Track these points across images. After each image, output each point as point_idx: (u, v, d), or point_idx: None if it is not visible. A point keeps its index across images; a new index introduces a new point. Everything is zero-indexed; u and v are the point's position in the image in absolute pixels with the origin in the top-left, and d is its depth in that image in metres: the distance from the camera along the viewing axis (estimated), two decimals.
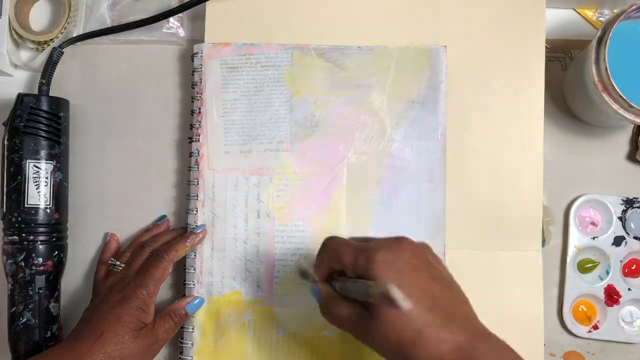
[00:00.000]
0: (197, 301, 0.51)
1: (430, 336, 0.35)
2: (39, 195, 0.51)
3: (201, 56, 0.53)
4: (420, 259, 0.38)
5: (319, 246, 0.42)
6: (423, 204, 0.51)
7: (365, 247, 0.38)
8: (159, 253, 0.50)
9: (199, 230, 0.52)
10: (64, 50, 0.54)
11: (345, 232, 0.51)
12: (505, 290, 0.51)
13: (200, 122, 0.53)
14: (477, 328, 0.37)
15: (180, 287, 0.54)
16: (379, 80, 0.52)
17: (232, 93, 0.53)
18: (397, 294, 0.33)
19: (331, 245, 0.41)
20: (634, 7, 0.47)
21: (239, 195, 0.52)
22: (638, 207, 0.54)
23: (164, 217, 0.55)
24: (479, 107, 0.52)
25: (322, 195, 0.52)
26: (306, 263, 0.50)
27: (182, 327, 0.52)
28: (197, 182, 0.53)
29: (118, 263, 0.52)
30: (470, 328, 0.36)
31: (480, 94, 0.52)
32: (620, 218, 0.54)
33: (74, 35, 0.56)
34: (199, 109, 0.53)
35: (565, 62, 0.56)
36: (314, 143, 0.52)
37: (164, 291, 0.54)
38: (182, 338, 0.52)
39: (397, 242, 0.38)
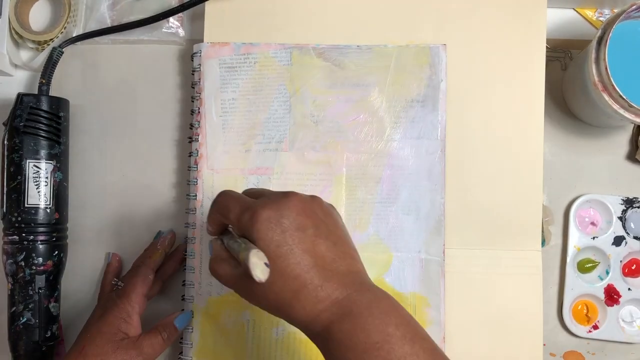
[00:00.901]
0: (184, 314, 0.51)
1: (307, 296, 0.34)
2: (39, 195, 0.51)
3: (200, 56, 0.53)
4: (307, 216, 0.36)
5: None
6: (422, 203, 0.51)
7: (251, 204, 0.36)
8: (135, 263, 0.52)
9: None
10: (63, 50, 0.54)
11: None
12: (504, 289, 0.51)
13: (199, 121, 0.53)
14: (357, 281, 0.36)
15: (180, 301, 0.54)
16: (378, 79, 0.52)
17: (231, 93, 0.53)
18: (253, 264, 0.33)
19: (220, 199, 0.39)
20: (634, 7, 0.47)
21: None
22: (638, 207, 0.54)
23: (159, 233, 0.55)
24: (479, 106, 0.52)
25: (321, 194, 0.51)
26: None
27: None
28: (197, 181, 0.53)
29: (120, 283, 0.52)
30: (350, 282, 0.35)
31: (481, 94, 0.52)
32: (620, 218, 0.54)
33: (74, 35, 0.56)
34: (199, 108, 0.53)
35: (565, 62, 0.56)
36: (313, 143, 0.52)
37: (162, 305, 0.54)
38: (182, 338, 0.52)
39: (285, 200, 0.36)
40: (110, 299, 0.50)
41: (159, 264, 0.52)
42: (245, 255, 0.34)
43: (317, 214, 0.37)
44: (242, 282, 0.37)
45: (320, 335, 0.35)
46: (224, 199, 0.39)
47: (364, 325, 0.33)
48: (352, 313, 0.34)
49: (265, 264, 0.34)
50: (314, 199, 0.38)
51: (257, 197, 0.38)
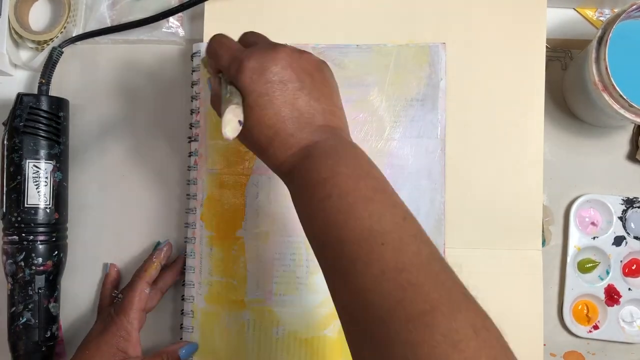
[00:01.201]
0: (190, 345, 0.51)
1: (280, 143, 0.36)
2: (38, 195, 0.51)
3: (200, 55, 0.53)
4: (292, 70, 0.37)
5: None
6: (422, 203, 0.51)
7: (239, 54, 0.37)
8: (132, 278, 0.52)
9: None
10: (63, 50, 0.54)
11: None
12: (505, 289, 0.51)
13: (199, 121, 0.53)
14: (330, 132, 0.37)
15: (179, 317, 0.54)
16: (378, 78, 0.52)
17: None
18: (225, 121, 0.35)
19: (212, 44, 0.40)
20: (634, 7, 0.47)
21: (237, 194, 0.52)
22: (638, 207, 0.54)
23: (157, 244, 0.55)
24: (479, 106, 0.52)
25: None
26: None
27: (181, 327, 0.52)
28: (197, 181, 0.53)
29: (120, 296, 0.52)
30: (322, 133, 0.36)
31: (480, 93, 0.52)
32: (620, 218, 0.54)
33: (74, 35, 0.56)
34: (198, 108, 0.53)
35: (565, 62, 0.56)
36: None
37: (162, 305, 0.54)
38: (181, 338, 0.52)
39: (273, 52, 0.37)
40: (109, 314, 0.50)
41: (155, 277, 0.52)
42: (223, 109, 0.36)
43: (305, 69, 0.38)
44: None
45: (287, 177, 0.37)
46: (216, 45, 0.40)
47: (319, 164, 0.35)
48: (312, 155, 0.35)
49: (240, 121, 0.36)
50: (302, 53, 0.39)
51: (249, 45, 0.39)
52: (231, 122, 0.36)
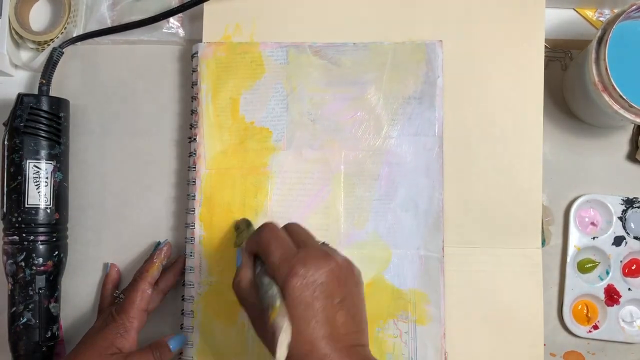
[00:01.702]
0: (179, 336, 0.51)
1: None
2: (39, 195, 0.51)
3: (200, 55, 0.53)
4: (339, 284, 0.38)
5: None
6: (421, 200, 0.51)
7: (293, 255, 0.38)
8: (134, 277, 0.52)
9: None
10: (64, 50, 0.54)
11: (343, 229, 0.51)
12: (505, 287, 0.51)
13: (199, 121, 0.53)
14: (359, 355, 0.38)
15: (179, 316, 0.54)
16: (375, 76, 0.52)
17: (228, 92, 0.53)
18: (280, 341, 0.35)
19: (264, 235, 0.40)
20: (634, 7, 0.47)
21: (236, 194, 0.52)
22: (638, 207, 0.54)
23: (158, 244, 0.55)
24: (477, 104, 0.52)
25: (320, 192, 0.52)
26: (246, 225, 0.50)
27: (182, 327, 0.52)
28: (197, 182, 0.53)
29: (121, 296, 0.52)
30: (352, 355, 0.37)
31: (478, 91, 0.52)
32: (620, 218, 0.54)
33: (74, 35, 0.56)
34: (198, 108, 0.53)
35: (565, 62, 0.56)
36: (311, 141, 0.52)
37: (162, 305, 0.54)
38: None
39: (325, 263, 0.38)
40: (110, 313, 0.50)
41: (157, 277, 0.52)
42: (275, 322, 0.35)
43: (348, 284, 0.39)
44: (259, 319, 0.38)
45: None
46: (268, 236, 0.40)
47: None
48: None
49: (289, 342, 0.35)
50: (349, 266, 0.40)
51: (299, 244, 0.40)
52: (284, 344, 0.35)
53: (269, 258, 0.39)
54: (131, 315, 0.49)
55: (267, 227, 0.41)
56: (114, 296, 0.53)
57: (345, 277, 0.39)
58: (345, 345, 0.37)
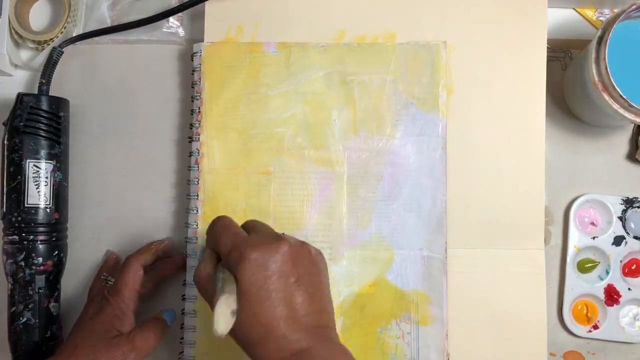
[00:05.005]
0: (169, 310, 0.51)
1: (272, 344, 0.36)
2: (39, 195, 0.51)
3: (200, 55, 0.53)
4: (293, 265, 0.38)
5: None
6: (424, 201, 0.51)
7: (242, 241, 0.38)
8: (127, 259, 0.51)
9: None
10: (63, 50, 0.54)
11: (346, 229, 0.51)
12: (507, 288, 0.51)
13: (200, 121, 0.53)
14: (322, 336, 0.37)
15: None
16: (379, 77, 0.52)
17: (231, 92, 0.53)
18: (217, 314, 0.35)
19: (216, 227, 0.41)
20: (634, 7, 0.47)
21: (239, 194, 0.52)
22: (638, 207, 0.54)
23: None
24: (480, 104, 0.52)
25: (323, 193, 0.52)
26: None
27: (182, 327, 0.52)
28: (197, 181, 0.53)
29: (110, 278, 0.52)
30: (314, 336, 0.37)
31: (481, 92, 0.52)
32: (620, 218, 0.54)
33: (74, 35, 0.56)
34: (199, 108, 0.53)
35: (565, 62, 0.56)
36: (314, 141, 0.52)
37: (162, 306, 0.54)
38: (182, 338, 0.52)
39: (276, 245, 0.38)
40: (103, 296, 0.50)
41: (150, 262, 0.52)
42: (215, 300, 0.36)
43: (304, 263, 0.39)
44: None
45: None
46: (218, 229, 0.40)
47: None
48: None
49: (232, 312, 0.35)
50: (303, 246, 0.40)
51: (250, 232, 0.40)
52: (224, 315, 0.35)
53: (220, 248, 0.39)
54: (126, 297, 0.49)
55: (219, 219, 0.41)
56: (103, 279, 0.53)
57: (301, 257, 0.39)
58: (306, 326, 0.37)
